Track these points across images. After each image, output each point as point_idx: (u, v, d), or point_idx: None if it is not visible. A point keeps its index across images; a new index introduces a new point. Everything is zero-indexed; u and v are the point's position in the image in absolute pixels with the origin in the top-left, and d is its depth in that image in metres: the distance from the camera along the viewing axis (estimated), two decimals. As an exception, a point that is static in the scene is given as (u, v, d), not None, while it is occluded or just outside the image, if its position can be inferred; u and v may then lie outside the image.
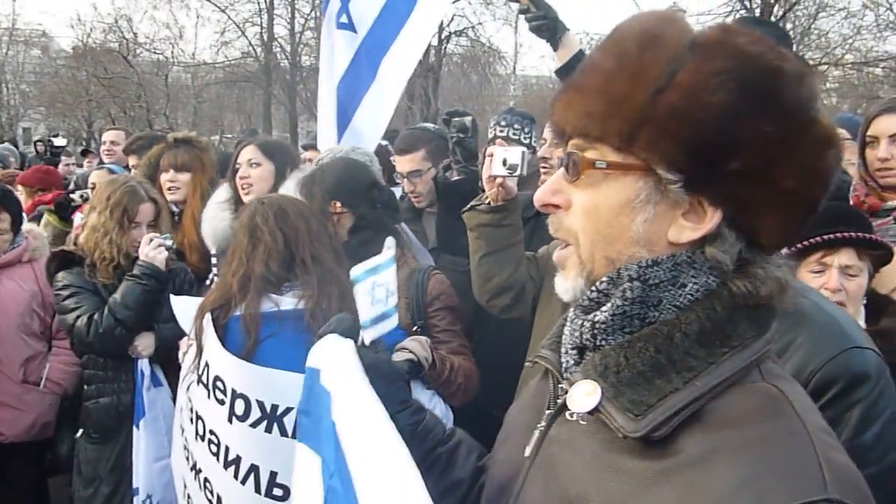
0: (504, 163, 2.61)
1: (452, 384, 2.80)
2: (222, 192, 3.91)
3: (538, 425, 1.22)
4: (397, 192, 4.42)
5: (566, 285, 1.17)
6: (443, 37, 27.55)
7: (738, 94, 1.03)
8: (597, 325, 1.13)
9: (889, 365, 2.24)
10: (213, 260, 3.89)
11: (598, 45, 1.17)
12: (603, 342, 1.13)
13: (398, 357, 2.65)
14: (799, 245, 2.38)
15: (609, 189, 1.11)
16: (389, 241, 1.65)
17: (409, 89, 25.33)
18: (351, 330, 1.54)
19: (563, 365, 1.21)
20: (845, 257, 2.35)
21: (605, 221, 1.11)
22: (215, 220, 3.82)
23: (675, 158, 1.05)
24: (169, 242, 3.66)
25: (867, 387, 1.56)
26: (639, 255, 1.10)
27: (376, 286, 1.55)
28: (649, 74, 1.06)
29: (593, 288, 1.14)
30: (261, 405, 2.40)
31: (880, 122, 3.12)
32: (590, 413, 1.10)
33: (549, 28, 3.21)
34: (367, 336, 1.54)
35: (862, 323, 2.37)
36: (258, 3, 27.84)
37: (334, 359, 1.48)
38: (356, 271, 1.58)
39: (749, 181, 1.05)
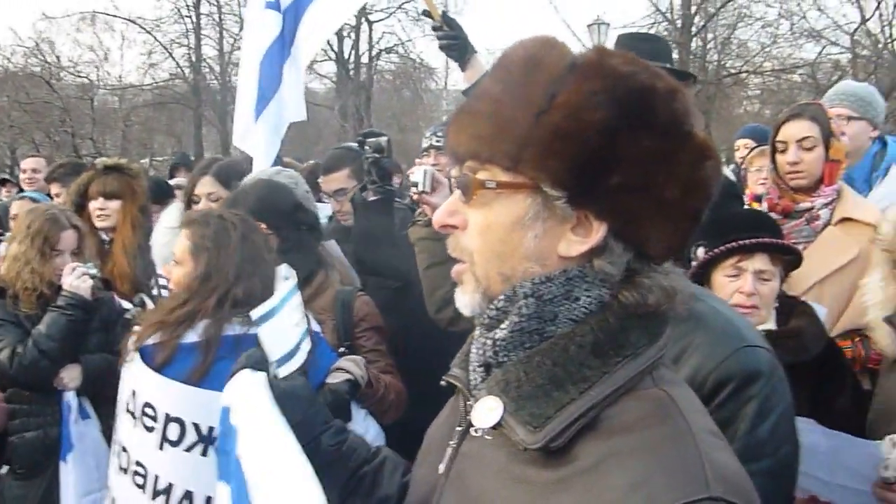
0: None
1: (385, 402, 2.82)
2: (172, 216, 3.79)
3: (450, 442, 1.25)
4: (328, 209, 4.44)
5: (464, 300, 1.22)
6: (373, 54, 27.63)
7: (615, 112, 1.08)
8: (497, 343, 1.17)
9: (799, 363, 2.36)
10: (163, 281, 3.78)
11: (488, 71, 1.22)
12: (505, 358, 1.17)
13: (336, 378, 2.66)
14: (715, 250, 2.47)
15: (500, 208, 1.15)
16: (285, 271, 1.67)
17: (341, 107, 25.31)
18: (262, 363, 1.57)
19: (472, 382, 1.24)
20: (759, 262, 2.44)
21: (498, 239, 1.16)
22: (169, 245, 3.74)
23: (560, 175, 1.10)
24: (93, 271, 3.58)
25: (760, 384, 1.62)
26: (532, 270, 1.15)
27: (286, 319, 1.57)
28: (533, 97, 1.11)
29: (492, 306, 1.18)
30: (197, 428, 2.37)
31: (788, 128, 3.26)
32: (493, 428, 1.14)
33: (459, 48, 3.26)
34: (282, 373, 1.56)
35: (773, 325, 2.48)
36: (185, 24, 27.52)
37: (244, 394, 1.49)
38: (257, 313, 1.59)
39: (631, 194, 1.10)
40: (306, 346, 1.64)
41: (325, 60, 27.43)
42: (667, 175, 1.11)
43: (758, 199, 4.20)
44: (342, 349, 2.90)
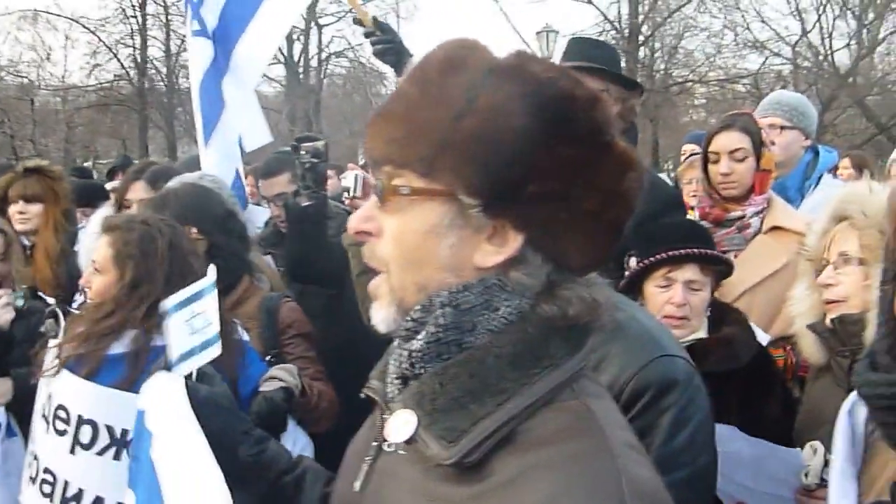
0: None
1: (317, 411, 2.77)
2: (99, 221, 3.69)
3: (366, 458, 1.21)
4: (265, 214, 4.37)
5: (380, 315, 1.17)
6: (322, 58, 27.47)
7: (533, 119, 1.05)
8: (414, 354, 1.13)
9: (729, 370, 2.37)
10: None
11: (406, 74, 1.19)
12: (421, 370, 1.13)
13: (270, 386, 2.59)
14: (645, 261, 2.47)
15: (415, 215, 1.11)
16: (211, 269, 1.61)
17: (290, 111, 25.11)
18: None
19: (388, 395, 1.20)
20: (689, 272, 2.44)
21: (412, 247, 1.12)
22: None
23: (475, 183, 1.06)
24: (20, 302, 3.42)
25: (676, 393, 1.61)
26: (447, 280, 1.11)
27: (195, 315, 1.51)
28: (450, 100, 1.07)
29: (408, 317, 1.14)
30: (110, 431, 2.28)
31: (720, 140, 3.29)
32: (408, 442, 1.10)
33: (394, 53, 3.22)
34: (187, 367, 1.51)
35: (704, 333, 2.49)
36: (131, 25, 26.97)
37: (160, 397, 1.45)
38: (170, 302, 1.53)
39: (549, 204, 1.07)
40: (217, 347, 1.58)
41: (275, 64, 27.23)
42: (586, 185, 1.08)
43: (691, 209, 4.26)
44: (269, 357, 2.84)
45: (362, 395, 1.27)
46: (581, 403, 1.09)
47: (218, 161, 3.83)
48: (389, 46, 3.18)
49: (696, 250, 2.44)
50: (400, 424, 1.11)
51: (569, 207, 1.08)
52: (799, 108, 4.09)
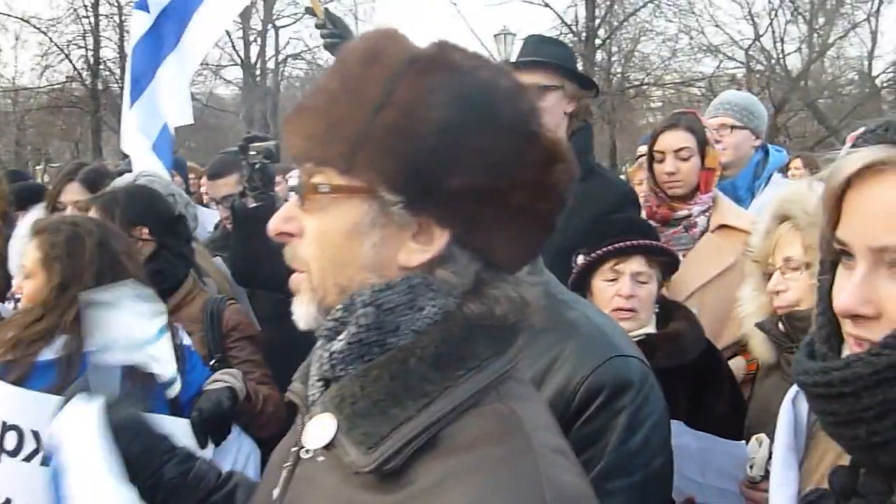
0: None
1: (263, 415, 2.72)
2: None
3: (285, 464, 1.17)
4: (215, 216, 4.30)
5: (300, 312, 1.12)
6: (279, 59, 27.26)
7: (454, 110, 1.01)
8: (334, 355, 1.08)
9: (677, 366, 2.37)
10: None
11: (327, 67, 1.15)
12: (342, 372, 1.08)
13: (214, 387, 2.55)
14: (592, 255, 2.48)
15: (336, 214, 1.07)
16: (157, 309, 1.57)
17: (247, 113, 24.88)
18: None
19: (310, 398, 1.15)
20: (636, 264, 2.46)
21: (334, 247, 1.07)
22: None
23: (396, 178, 1.02)
24: None
25: (631, 394, 1.57)
26: (370, 280, 1.07)
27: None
28: (369, 92, 1.03)
29: (329, 317, 1.09)
30: (36, 436, 2.21)
31: (665, 139, 3.29)
32: (326, 448, 1.06)
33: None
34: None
35: (653, 328, 2.50)
36: (83, 25, 26.45)
37: (72, 429, 1.40)
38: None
39: (473, 199, 1.03)
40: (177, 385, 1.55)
41: (232, 65, 26.98)
42: (512, 178, 1.04)
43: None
44: (213, 361, 2.79)
45: (285, 399, 1.23)
46: (506, 406, 1.05)
47: (139, 125, 3.94)
48: (340, 41, 3.14)
49: (641, 241, 2.46)
50: (318, 429, 1.07)
51: (494, 201, 1.04)
52: (749, 108, 4.13)
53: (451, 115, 1.01)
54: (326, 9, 3.24)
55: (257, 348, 2.93)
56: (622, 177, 6.24)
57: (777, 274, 2.27)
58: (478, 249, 1.07)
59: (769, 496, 1.44)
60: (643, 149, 6.55)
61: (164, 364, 1.61)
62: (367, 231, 1.05)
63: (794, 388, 1.37)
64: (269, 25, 26.52)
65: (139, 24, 4.14)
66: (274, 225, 1.13)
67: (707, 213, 3.24)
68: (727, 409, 2.47)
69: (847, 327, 1.09)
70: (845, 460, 1.16)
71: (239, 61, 26.84)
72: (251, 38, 26.57)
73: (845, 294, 1.06)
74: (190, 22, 4.00)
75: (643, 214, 3.35)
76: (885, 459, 1.05)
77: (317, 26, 3.21)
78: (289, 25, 27.46)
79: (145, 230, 2.83)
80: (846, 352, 1.11)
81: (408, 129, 1.01)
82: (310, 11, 3.30)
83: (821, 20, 25.73)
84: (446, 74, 1.04)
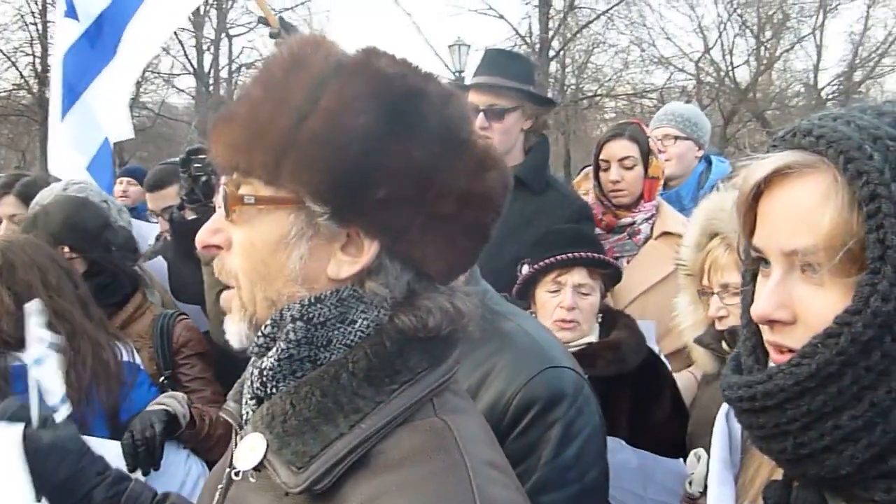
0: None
1: (212, 438, 2.63)
2: None
3: (219, 486, 1.13)
4: (156, 229, 4.19)
5: (232, 330, 1.10)
6: (233, 69, 27.01)
7: (380, 118, 0.99)
8: (265, 372, 1.05)
9: (619, 374, 2.38)
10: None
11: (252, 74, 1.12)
12: (274, 390, 1.06)
13: (151, 409, 2.46)
14: (535, 266, 2.49)
15: (263, 225, 1.05)
16: (41, 337, 1.53)
17: (199, 123, 24.53)
18: (18, 414, 1.44)
19: (244, 417, 1.12)
20: (578, 277, 2.48)
21: (261, 260, 1.05)
22: None
23: (320, 188, 1.00)
24: None
25: (564, 406, 1.56)
26: (299, 294, 1.05)
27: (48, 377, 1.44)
28: (293, 101, 1.01)
29: (260, 333, 1.07)
30: None
31: (610, 148, 3.35)
32: (257, 469, 1.03)
33: None
34: (62, 414, 1.46)
35: (596, 336, 2.52)
36: (30, 32, 25.91)
37: None
38: (33, 355, 1.46)
39: (402, 208, 1.01)
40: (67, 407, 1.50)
41: (185, 74, 26.65)
42: (441, 187, 1.03)
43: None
44: (163, 379, 2.71)
45: (221, 418, 1.20)
46: (440, 420, 1.04)
47: (72, 140, 3.83)
48: None
49: (583, 254, 2.47)
50: (248, 450, 1.04)
51: (423, 211, 1.02)
52: (692, 118, 4.20)
53: (378, 124, 0.99)
54: (281, 18, 3.23)
55: (208, 365, 2.85)
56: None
57: (716, 299, 2.29)
58: (409, 260, 1.05)
59: None
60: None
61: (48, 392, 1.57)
62: (295, 243, 1.03)
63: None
64: (223, 34, 26.27)
65: (67, 32, 4.04)
66: (201, 237, 1.10)
67: (651, 221, 3.31)
68: (668, 414, 2.50)
69: (766, 335, 1.09)
70: (779, 474, 1.15)
71: (192, 70, 26.53)
72: (204, 46, 26.29)
73: (760, 301, 1.05)
74: (126, 30, 3.91)
75: (590, 223, 3.41)
76: (814, 471, 1.03)
77: (271, 36, 3.19)
78: (242, 35, 27.23)
79: (65, 249, 2.72)
80: (772, 364, 1.10)
81: (333, 138, 0.98)
82: (263, 21, 3.27)
83: (768, 34, 26.34)
84: (372, 82, 1.01)
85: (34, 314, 1.59)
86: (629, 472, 2.19)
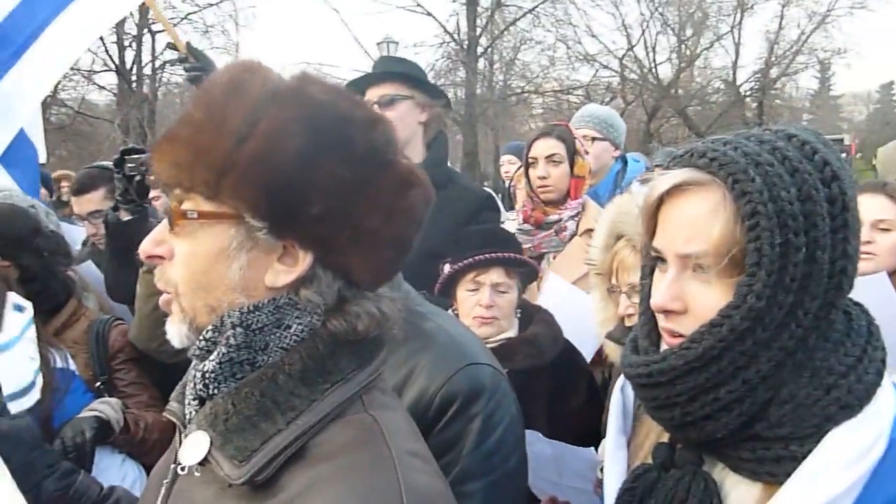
0: None
1: (147, 443, 2.64)
2: None
3: (164, 481, 1.22)
4: (82, 233, 4.14)
5: (173, 330, 1.18)
6: (157, 66, 26.36)
7: (312, 141, 1.08)
8: (207, 375, 1.13)
9: (536, 367, 2.50)
10: None
11: (192, 96, 1.20)
12: (216, 391, 1.14)
13: (82, 415, 2.46)
14: (454, 267, 2.59)
15: (205, 238, 1.12)
16: (17, 301, 1.55)
17: (122, 121, 23.90)
18: None
19: (187, 416, 1.20)
20: (495, 276, 2.58)
21: (202, 271, 1.13)
22: None
23: (259, 205, 1.09)
24: None
25: (484, 400, 1.65)
26: (238, 301, 1.13)
27: (17, 357, 1.47)
28: (232, 124, 1.08)
29: (201, 337, 1.15)
30: None
31: (538, 146, 3.51)
32: (201, 464, 1.12)
33: None
34: (13, 409, 1.47)
35: (515, 332, 2.63)
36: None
37: None
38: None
39: (331, 223, 1.11)
40: (40, 381, 1.53)
41: (105, 71, 25.81)
42: (367, 204, 1.12)
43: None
44: (99, 384, 2.72)
45: (157, 422, 1.26)
46: (368, 416, 1.14)
47: None
48: (203, 73, 3.12)
49: (499, 254, 2.57)
50: (193, 446, 1.12)
51: (351, 226, 1.12)
52: (607, 120, 4.37)
53: (310, 146, 1.08)
54: (188, 43, 3.22)
55: (144, 370, 2.85)
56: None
57: (624, 298, 2.40)
58: (339, 270, 1.15)
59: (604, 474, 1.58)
60: (504, 159, 6.88)
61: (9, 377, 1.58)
62: (234, 254, 1.12)
63: (622, 378, 1.52)
64: (145, 30, 25.57)
65: None
66: (145, 248, 1.18)
67: (576, 218, 3.46)
68: (583, 402, 2.63)
69: (661, 322, 1.29)
70: (665, 438, 1.37)
71: (113, 67, 25.77)
72: (126, 42, 25.56)
73: (658, 293, 1.26)
74: (47, 29, 3.74)
75: (520, 218, 3.56)
76: (695, 435, 1.25)
77: (179, 60, 3.18)
78: (165, 31, 26.46)
79: None
80: (664, 346, 1.30)
81: (269, 160, 1.07)
82: (172, 46, 3.26)
83: (689, 32, 27.10)
84: (305, 107, 1.10)
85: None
86: (545, 462, 2.30)
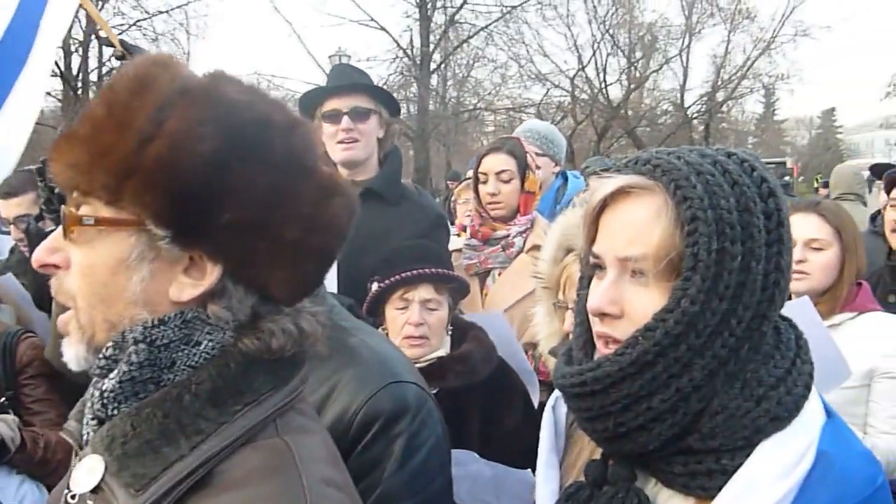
0: None
1: (51, 462, 2.54)
2: None
3: None
4: (9, 242, 4.00)
5: (70, 353, 1.09)
6: (103, 72, 25.85)
7: (225, 144, 1.00)
8: (106, 394, 1.05)
9: (467, 385, 2.44)
10: None
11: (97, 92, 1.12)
12: (115, 411, 1.05)
13: None
14: (381, 284, 2.52)
15: (103, 247, 1.04)
16: None
17: (65, 128, 23.36)
18: None
19: (84, 438, 1.11)
20: (424, 292, 2.51)
21: (101, 282, 1.05)
22: None
23: (163, 212, 1.00)
24: None
25: (407, 419, 1.60)
26: (140, 316, 1.05)
27: None
28: (137, 122, 1.00)
29: (101, 355, 1.07)
30: None
31: (487, 161, 3.46)
32: (94, 492, 1.03)
33: None
34: None
35: (447, 350, 2.57)
36: None
37: None
38: None
39: (245, 233, 1.03)
40: None
41: (51, 76, 25.29)
42: (285, 213, 1.05)
43: (465, 229, 4.43)
44: (3, 399, 2.60)
45: (62, 442, 1.18)
46: (281, 440, 1.07)
47: None
48: None
49: (427, 270, 2.51)
50: (85, 473, 1.04)
51: (267, 236, 1.04)
52: (548, 136, 4.37)
53: (222, 149, 1.00)
54: (122, 40, 3.13)
55: (54, 386, 2.74)
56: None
57: (570, 313, 2.33)
58: (252, 283, 1.08)
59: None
60: (471, 172, 6.83)
61: None
62: (135, 265, 1.04)
63: (554, 396, 1.50)
64: (92, 35, 25.10)
65: None
66: (38, 256, 1.09)
67: (524, 235, 3.41)
68: (518, 421, 2.56)
69: (596, 326, 1.27)
70: (598, 455, 1.34)
71: (59, 72, 25.23)
72: (72, 48, 25.06)
73: (595, 296, 1.24)
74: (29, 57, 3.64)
75: (467, 233, 3.51)
76: (628, 448, 1.23)
77: (117, 58, 3.10)
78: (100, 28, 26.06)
79: None
80: (598, 356, 1.28)
81: (176, 163, 0.99)
82: (106, 42, 3.17)
83: (638, 54, 27.57)
84: (218, 107, 1.03)
85: None
86: (483, 482, 2.25)
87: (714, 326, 1.16)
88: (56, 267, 1.08)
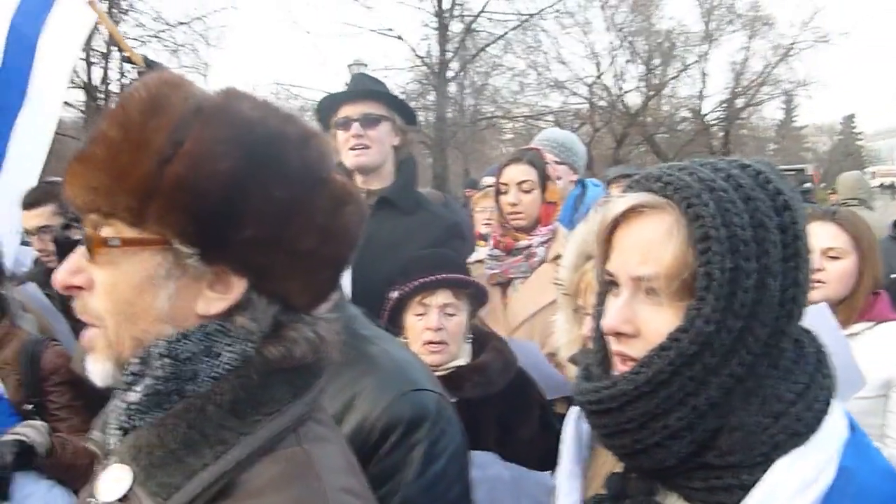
0: None
1: (76, 469, 2.57)
2: None
3: None
4: (32, 252, 4.06)
5: (95, 370, 1.11)
6: (124, 83, 26.09)
7: (242, 161, 1.02)
8: (131, 406, 1.07)
9: (484, 396, 2.44)
10: None
11: (105, 113, 1.10)
12: (140, 422, 1.07)
13: (3, 439, 2.41)
14: (401, 291, 2.54)
15: (128, 266, 1.05)
16: None
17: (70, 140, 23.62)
18: None
19: (110, 447, 1.13)
20: (442, 297, 2.54)
21: (127, 301, 1.06)
22: None
23: (187, 231, 1.02)
24: None
25: (426, 427, 1.61)
26: (166, 332, 1.07)
27: None
28: (154, 144, 1.01)
29: (126, 370, 1.08)
30: None
31: (508, 172, 3.47)
32: (121, 500, 1.05)
33: None
34: None
35: (467, 358, 2.57)
36: None
37: None
38: None
39: (265, 247, 1.05)
40: None
41: (73, 87, 25.57)
42: (301, 225, 1.07)
43: (483, 237, 4.43)
44: (29, 406, 2.65)
45: (86, 446, 1.20)
46: (301, 450, 1.08)
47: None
48: None
49: (445, 275, 2.54)
50: (112, 482, 1.06)
51: (285, 249, 1.07)
52: (567, 144, 4.36)
53: (240, 167, 1.02)
54: (145, 56, 3.19)
55: (79, 393, 2.78)
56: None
57: (590, 319, 2.35)
58: (274, 294, 1.10)
59: None
60: (487, 180, 6.86)
61: None
62: (162, 283, 1.05)
63: (578, 407, 1.50)
64: (114, 47, 25.40)
65: None
66: (60, 279, 1.10)
67: (546, 245, 3.41)
68: (534, 432, 2.56)
69: (613, 345, 1.27)
70: (620, 468, 1.34)
71: (81, 84, 25.51)
72: (94, 59, 25.34)
73: (609, 315, 1.24)
74: (33, 67, 3.70)
75: (489, 242, 3.52)
76: (647, 464, 1.23)
77: (139, 74, 3.15)
78: (134, 48, 26.22)
79: None
80: (615, 373, 1.28)
81: (196, 183, 1.00)
82: (127, 60, 3.22)
83: (656, 61, 27.45)
84: (233, 125, 1.04)
85: None
86: (503, 485, 2.25)
87: (730, 345, 1.15)
88: (78, 288, 1.09)
